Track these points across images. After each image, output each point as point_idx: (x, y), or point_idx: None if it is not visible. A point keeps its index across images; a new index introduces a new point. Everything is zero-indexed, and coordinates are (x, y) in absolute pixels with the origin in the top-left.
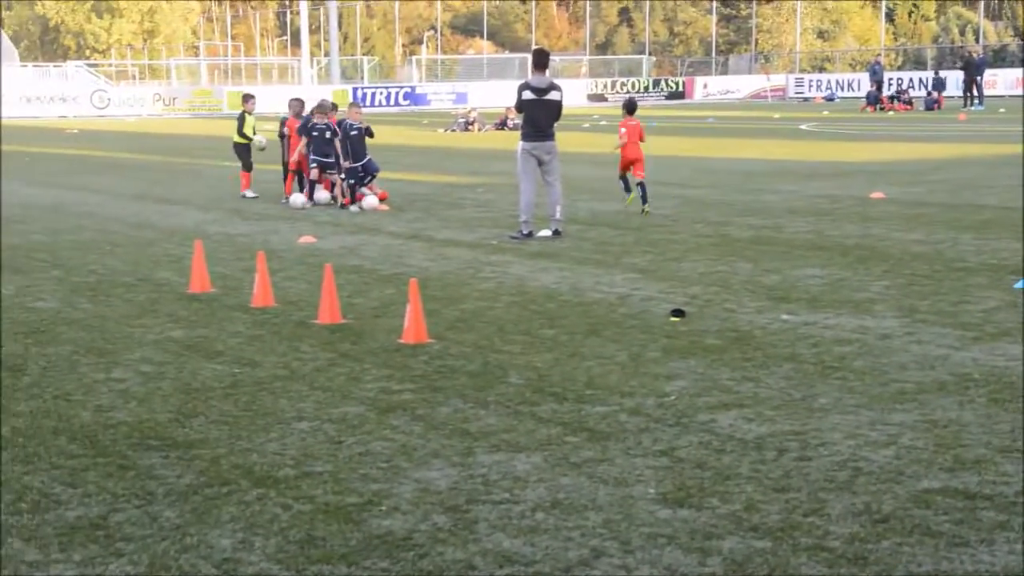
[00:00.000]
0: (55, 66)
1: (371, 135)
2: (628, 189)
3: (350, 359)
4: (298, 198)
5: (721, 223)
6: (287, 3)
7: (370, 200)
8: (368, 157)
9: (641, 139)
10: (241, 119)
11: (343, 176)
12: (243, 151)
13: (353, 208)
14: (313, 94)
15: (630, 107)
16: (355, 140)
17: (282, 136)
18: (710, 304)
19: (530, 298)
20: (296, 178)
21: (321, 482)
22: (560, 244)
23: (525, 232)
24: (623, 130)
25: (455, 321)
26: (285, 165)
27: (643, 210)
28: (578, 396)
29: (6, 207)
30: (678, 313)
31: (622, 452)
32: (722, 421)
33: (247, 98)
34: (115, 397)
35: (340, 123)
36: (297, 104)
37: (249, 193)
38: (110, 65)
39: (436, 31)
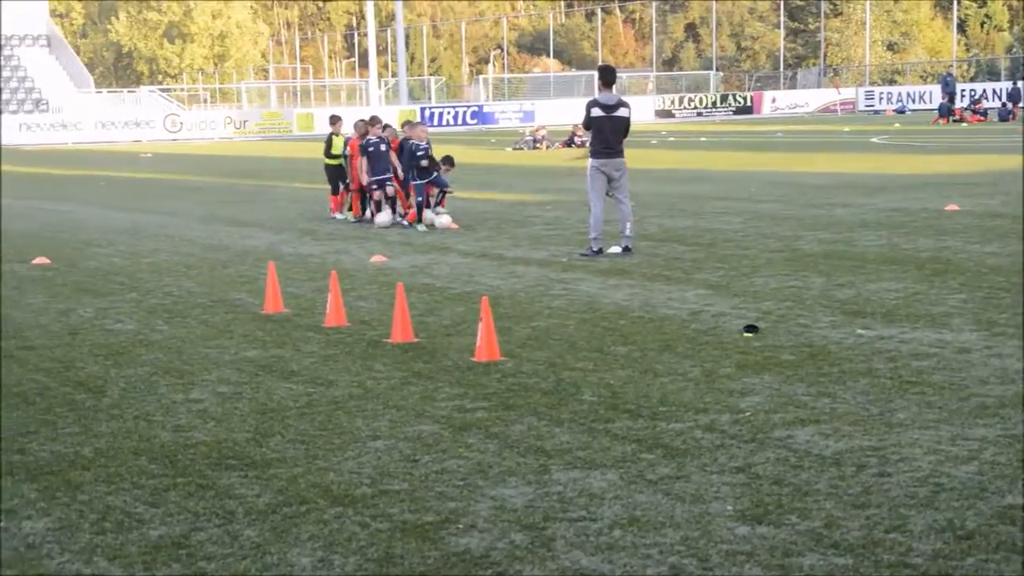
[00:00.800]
0: (129, 91)
1: (434, 164)
2: None
3: (423, 378)
4: (384, 216)
5: (792, 237)
6: (355, 25)
7: (442, 219)
8: (436, 173)
9: None
10: (328, 141)
11: (399, 189)
12: (333, 173)
13: (421, 227)
14: (381, 115)
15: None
16: (424, 159)
17: (345, 157)
18: (783, 319)
19: (601, 315)
20: (360, 198)
21: (398, 500)
22: (630, 261)
23: (595, 249)
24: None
25: (527, 339)
26: (345, 185)
27: None
28: (652, 413)
29: (85, 230)
30: (751, 329)
31: (698, 469)
32: (799, 437)
33: (334, 120)
34: (193, 417)
35: (402, 144)
36: (362, 126)
37: (340, 215)
38: (182, 89)
39: (502, 50)
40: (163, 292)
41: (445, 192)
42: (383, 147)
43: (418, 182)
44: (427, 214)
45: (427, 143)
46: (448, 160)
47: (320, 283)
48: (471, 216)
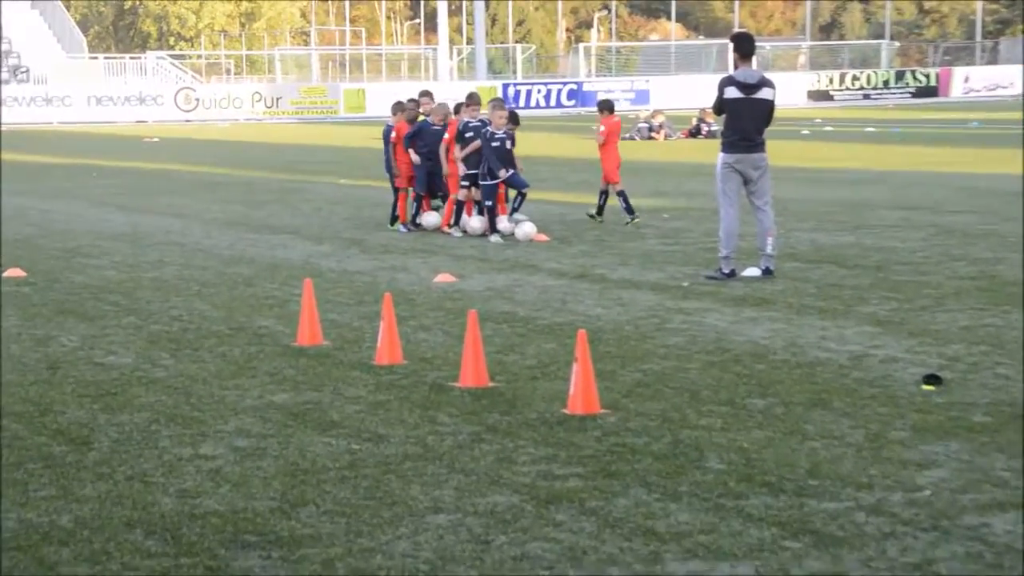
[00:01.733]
0: (132, 58)
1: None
2: (630, 208)
3: (500, 434)
4: (474, 221)
5: (990, 260)
6: None
7: (524, 227)
8: (513, 170)
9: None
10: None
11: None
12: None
13: (494, 238)
14: (452, 92)
15: (608, 107)
16: (499, 152)
17: (387, 145)
18: (976, 368)
19: (733, 357)
20: (415, 199)
21: None
22: (772, 286)
23: (726, 271)
24: (603, 127)
25: (635, 385)
26: (391, 182)
27: (631, 221)
28: (798, 488)
29: (71, 235)
30: (933, 380)
31: (860, 563)
32: (997, 526)
33: (423, 96)
34: (203, 479)
35: (462, 128)
36: (412, 107)
37: (429, 219)
38: (199, 57)
39: (610, 11)
40: (169, 316)
41: (524, 194)
42: (498, 137)
43: (489, 181)
44: (503, 222)
45: (508, 131)
46: (513, 118)
47: (370, 308)
48: (564, 225)
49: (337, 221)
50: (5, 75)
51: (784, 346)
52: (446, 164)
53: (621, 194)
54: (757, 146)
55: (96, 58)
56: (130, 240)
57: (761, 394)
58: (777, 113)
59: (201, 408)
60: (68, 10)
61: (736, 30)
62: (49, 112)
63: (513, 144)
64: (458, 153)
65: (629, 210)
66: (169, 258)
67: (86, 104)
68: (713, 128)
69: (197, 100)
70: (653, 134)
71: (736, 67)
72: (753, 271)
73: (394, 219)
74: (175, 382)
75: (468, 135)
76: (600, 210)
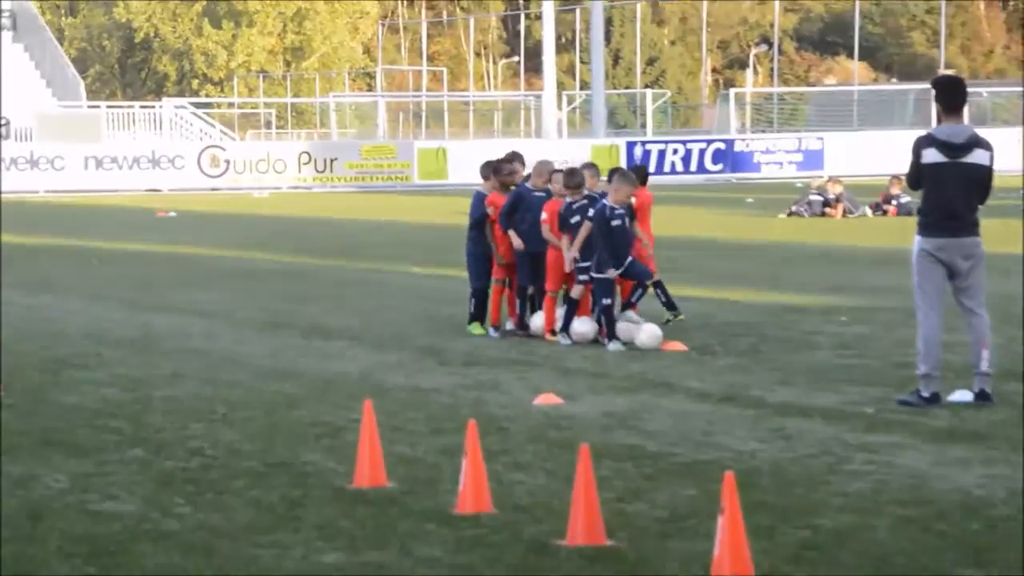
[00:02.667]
0: (143, 107)
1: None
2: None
3: None
4: (585, 324)
5: None
6: (520, 2)
7: (646, 331)
8: (631, 257)
9: None
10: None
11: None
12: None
13: (613, 346)
14: (560, 152)
15: (641, 176)
16: (616, 232)
17: (480, 222)
18: None
19: (935, 512)
20: (519, 294)
21: None
22: (989, 415)
23: (926, 394)
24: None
25: (801, 547)
26: (479, 270)
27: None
28: None
29: (63, 340)
30: None
31: None
32: None
33: (508, 165)
34: None
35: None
36: (505, 168)
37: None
38: (231, 105)
39: (771, 46)
40: (186, 449)
41: (645, 287)
42: (618, 220)
43: (603, 275)
44: (624, 324)
45: (627, 206)
46: (590, 166)
47: (449, 439)
48: (708, 330)
49: (408, 323)
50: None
51: (1005, 498)
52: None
53: (658, 284)
54: (967, 228)
55: (97, 107)
56: (138, 347)
57: (975, 561)
58: (995, 182)
59: (227, 571)
60: (62, 44)
61: (941, 73)
62: (35, 177)
63: (632, 219)
64: (565, 245)
65: (670, 305)
66: (188, 371)
67: (83, 167)
68: (906, 201)
69: (227, 162)
70: (828, 209)
71: (939, 122)
72: (963, 395)
73: (474, 318)
74: (193, 537)
75: (574, 220)
76: (670, 305)
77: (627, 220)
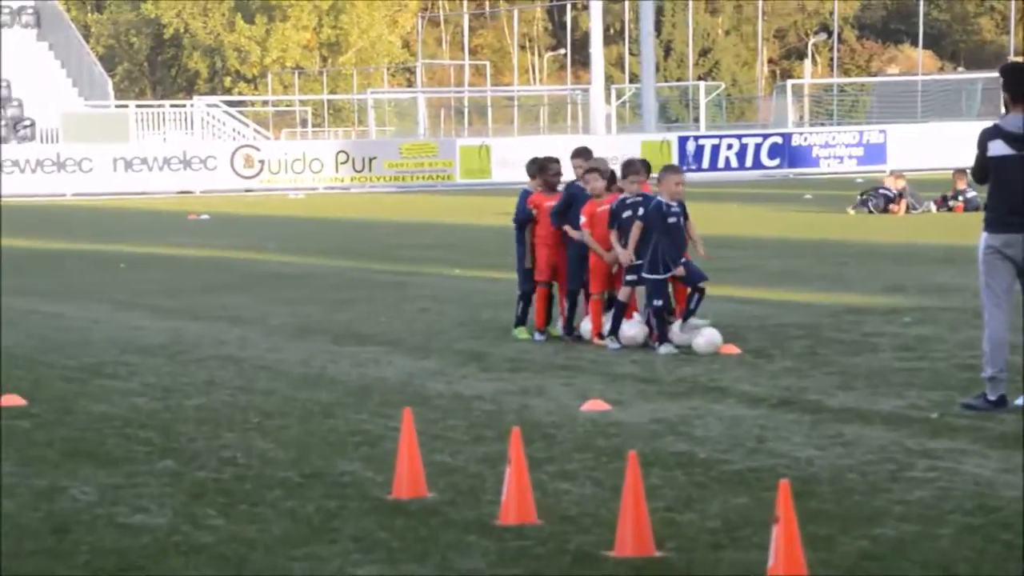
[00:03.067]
0: (173, 105)
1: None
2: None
3: None
4: (634, 327)
5: None
6: None
7: (705, 335)
8: (686, 258)
9: None
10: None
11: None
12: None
13: (664, 349)
14: (609, 147)
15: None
16: (672, 231)
17: (523, 223)
18: None
19: (1001, 520)
20: (568, 297)
21: None
22: None
23: (992, 397)
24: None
25: (861, 557)
26: (527, 272)
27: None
28: None
29: (89, 348)
30: None
31: None
32: None
33: (576, 159)
34: None
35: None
36: (553, 168)
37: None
38: (265, 103)
39: (831, 35)
40: (218, 459)
41: (702, 289)
42: (672, 217)
43: (657, 276)
44: (675, 331)
45: (681, 202)
46: (641, 165)
47: (492, 447)
48: (764, 332)
49: (449, 327)
50: (3, 131)
51: None
52: (602, 250)
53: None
54: None
55: (125, 106)
56: (168, 354)
57: None
58: None
59: None
60: (88, 41)
61: (1010, 60)
62: (61, 180)
63: (687, 218)
64: (615, 242)
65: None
66: (220, 378)
67: (111, 168)
68: (972, 196)
69: (261, 162)
70: (891, 206)
71: (1006, 112)
72: None
73: (520, 322)
74: (226, 550)
75: (626, 215)
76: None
77: (681, 218)
